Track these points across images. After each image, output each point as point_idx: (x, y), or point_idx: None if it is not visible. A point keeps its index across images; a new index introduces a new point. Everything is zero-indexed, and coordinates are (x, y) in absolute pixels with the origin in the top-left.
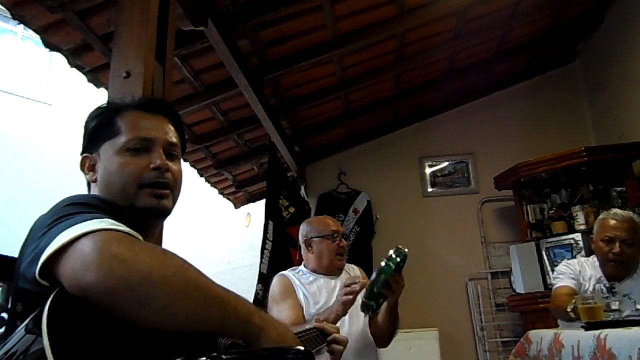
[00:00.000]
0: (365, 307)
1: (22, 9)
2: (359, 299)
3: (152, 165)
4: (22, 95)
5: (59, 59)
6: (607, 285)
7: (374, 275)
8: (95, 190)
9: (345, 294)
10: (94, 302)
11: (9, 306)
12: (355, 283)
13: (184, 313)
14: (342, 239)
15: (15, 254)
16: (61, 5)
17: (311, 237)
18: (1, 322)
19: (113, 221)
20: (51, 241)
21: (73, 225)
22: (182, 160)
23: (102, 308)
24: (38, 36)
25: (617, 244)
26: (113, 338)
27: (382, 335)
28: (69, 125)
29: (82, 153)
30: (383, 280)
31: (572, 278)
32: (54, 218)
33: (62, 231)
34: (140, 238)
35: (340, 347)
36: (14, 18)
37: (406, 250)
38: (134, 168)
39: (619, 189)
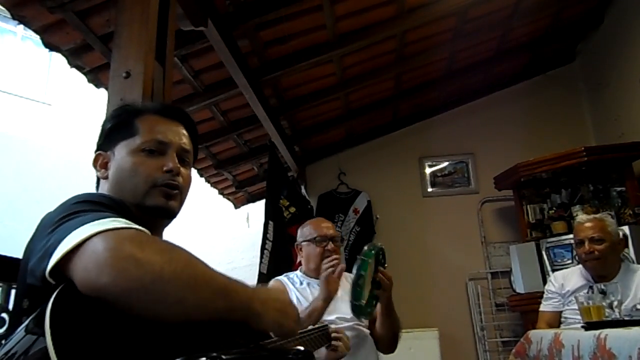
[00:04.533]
0: (355, 310)
1: (22, 9)
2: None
3: (165, 168)
4: (22, 95)
5: (59, 59)
6: (586, 290)
7: (354, 274)
8: (104, 187)
9: (325, 269)
10: (108, 301)
11: (14, 302)
12: (335, 259)
13: (194, 305)
14: (331, 243)
15: (15, 254)
16: (61, 5)
17: (301, 241)
18: (1, 322)
19: (124, 220)
20: (62, 238)
21: (84, 223)
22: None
23: (116, 307)
24: (38, 36)
25: (586, 244)
26: (116, 336)
27: (384, 340)
28: (69, 125)
29: (96, 151)
30: (366, 278)
31: (553, 298)
32: (63, 215)
33: (73, 229)
34: (149, 234)
35: (343, 348)
36: (14, 18)
37: (380, 244)
38: (147, 168)
39: (619, 189)
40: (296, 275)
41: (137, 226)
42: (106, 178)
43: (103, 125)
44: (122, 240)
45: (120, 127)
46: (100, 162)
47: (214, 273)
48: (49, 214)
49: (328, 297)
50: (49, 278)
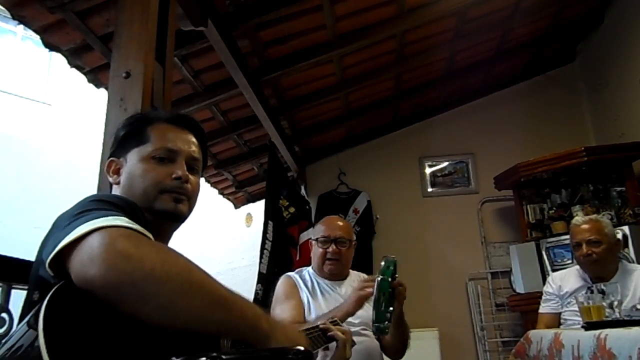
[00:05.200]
0: (378, 331)
1: (22, 9)
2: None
3: (173, 175)
4: (22, 95)
5: (59, 59)
6: (584, 291)
7: (375, 295)
8: (116, 192)
9: (360, 289)
10: (98, 295)
11: (27, 294)
12: (372, 280)
13: (187, 312)
14: (334, 245)
15: (15, 254)
16: (61, 5)
17: (311, 239)
18: (1, 322)
19: (127, 219)
20: (69, 233)
21: (91, 220)
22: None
23: (106, 302)
24: (38, 36)
25: (584, 246)
26: (111, 336)
27: (393, 347)
28: (69, 126)
29: (109, 157)
30: (387, 296)
31: (551, 300)
32: (78, 211)
33: (79, 225)
34: (151, 237)
35: (341, 337)
36: (14, 18)
37: (393, 256)
38: (157, 175)
39: (619, 189)
40: (308, 272)
41: (139, 227)
42: (118, 184)
43: (116, 133)
44: (118, 237)
45: (133, 135)
46: (113, 169)
47: (215, 283)
48: (67, 211)
49: (351, 314)
50: (49, 269)
